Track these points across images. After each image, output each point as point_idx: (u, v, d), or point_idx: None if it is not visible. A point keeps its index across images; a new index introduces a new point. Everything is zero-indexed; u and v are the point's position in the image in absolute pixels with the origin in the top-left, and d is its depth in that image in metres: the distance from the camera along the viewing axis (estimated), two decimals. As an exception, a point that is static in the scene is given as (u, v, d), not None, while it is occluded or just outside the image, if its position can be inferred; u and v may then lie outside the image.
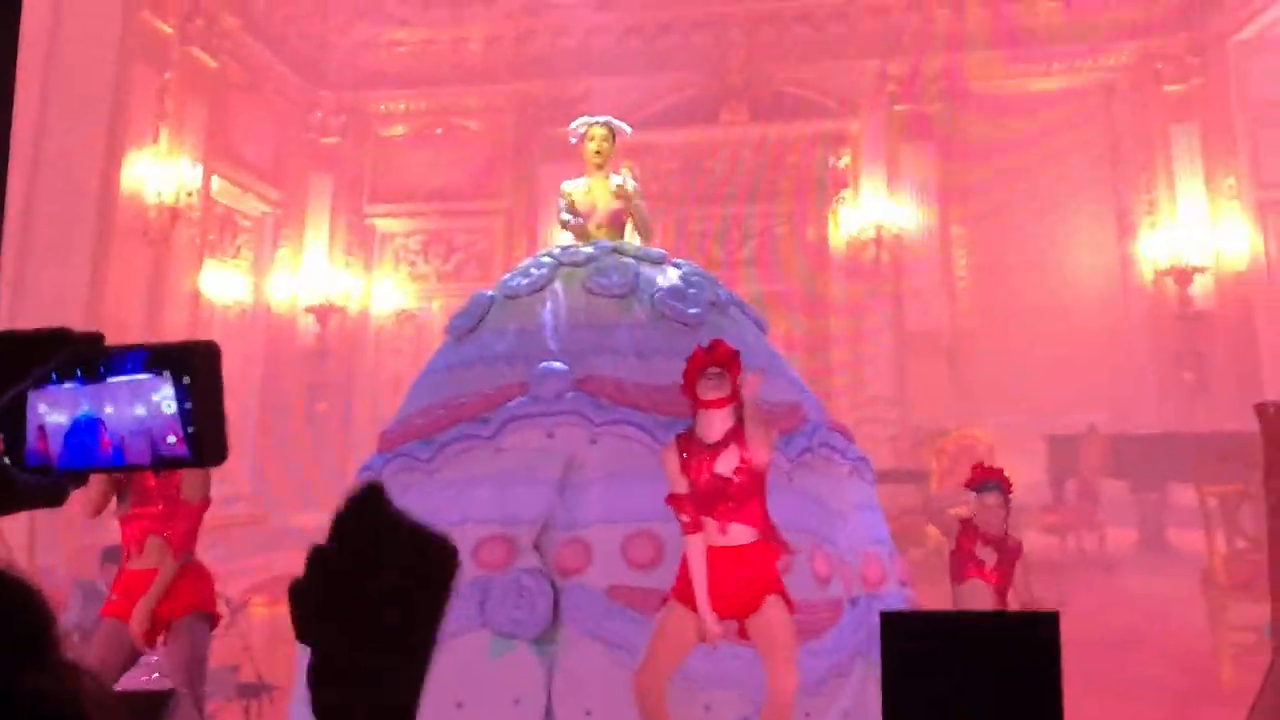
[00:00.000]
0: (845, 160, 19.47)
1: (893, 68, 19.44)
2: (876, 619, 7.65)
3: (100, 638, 7.51)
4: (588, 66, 18.65)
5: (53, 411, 1.02)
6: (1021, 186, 18.45)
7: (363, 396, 15.56)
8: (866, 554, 8.04)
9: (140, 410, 1.02)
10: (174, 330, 14.48)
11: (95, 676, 0.75)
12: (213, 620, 7.58)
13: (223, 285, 15.42)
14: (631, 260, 8.85)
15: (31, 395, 1.03)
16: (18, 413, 1.02)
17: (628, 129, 9.42)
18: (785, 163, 19.39)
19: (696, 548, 6.44)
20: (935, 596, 10.86)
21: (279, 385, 14.78)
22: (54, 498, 1.04)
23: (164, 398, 1.02)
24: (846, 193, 19.27)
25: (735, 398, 6.54)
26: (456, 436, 8.07)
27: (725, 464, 6.47)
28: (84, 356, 1.03)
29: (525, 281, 8.82)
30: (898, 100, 19.41)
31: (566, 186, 9.35)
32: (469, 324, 8.81)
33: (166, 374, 1.03)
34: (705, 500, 6.44)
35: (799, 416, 8.31)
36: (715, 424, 6.54)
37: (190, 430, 1.03)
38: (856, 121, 19.45)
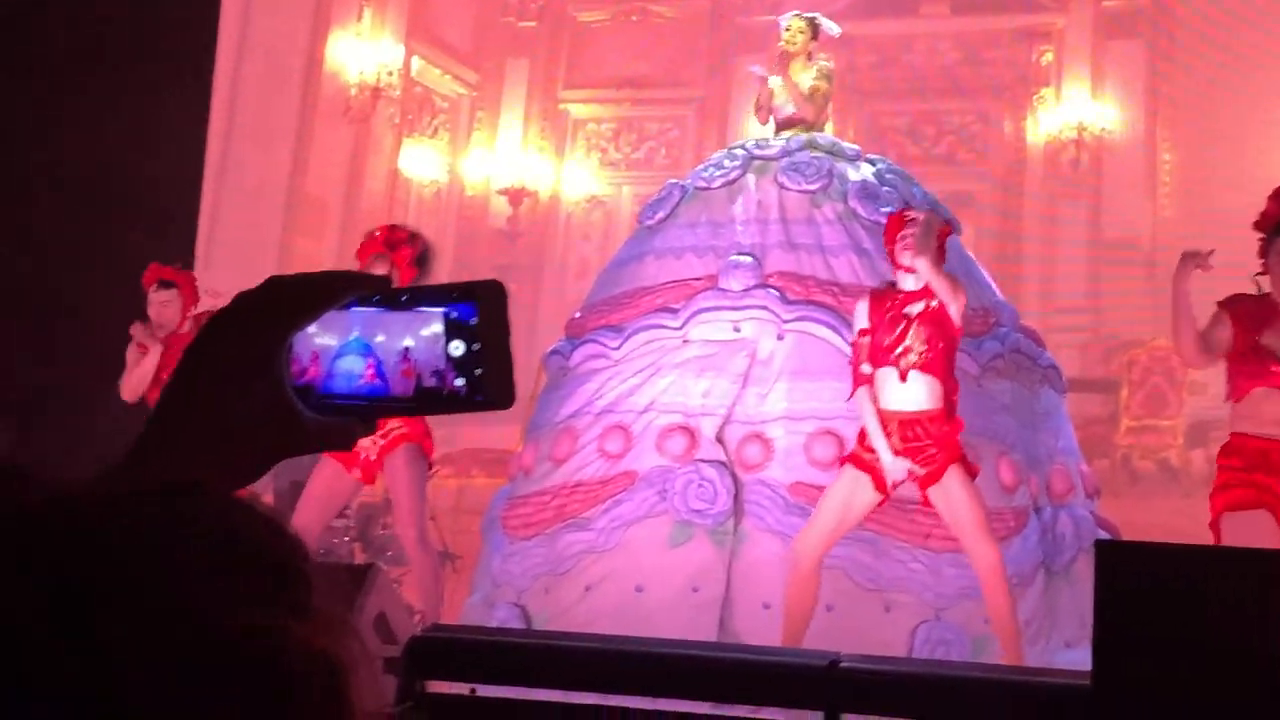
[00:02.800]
0: (1048, 57, 18.93)
1: (1103, -38, 18.79)
2: (1062, 530, 7.62)
3: (322, 477, 7.53)
4: (786, -45, 18.39)
5: (322, 334, 1.01)
6: (1232, 92, 17.76)
7: (551, 280, 15.73)
8: (1054, 464, 7.94)
9: (409, 342, 1.00)
10: (371, 209, 14.76)
11: (360, 635, 0.68)
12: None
13: (420, 165, 15.65)
14: (825, 156, 8.76)
15: None
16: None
17: (835, 29, 9.25)
18: (984, 58, 18.91)
19: (863, 399, 6.41)
20: (1120, 509, 10.69)
21: (470, 265, 15.02)
22: (344, 440, 1.03)
23: (434, 333, 0.99)
24: (1047, 91, 18.75)
25: (940, 257, 6.48)
26: (644, 326, 8.15)
27: (915, 308, 6.41)
28: (369, 298, 1.01)
29: (718, 174, 8.81)
30: (1106, -4, 18.78)
31: (771, 80, 9.27)
32: (661, 214, 8.84)
33: (443, 311, 0.99)
34: (889, 345, 6.38)
35: (990, 321, 8.20)
36: (910, 280, 6.48)
37: (478, 373, 0.99)
38: (1062, 17, 18.88)
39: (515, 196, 16.25)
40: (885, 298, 6.52)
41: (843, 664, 3.99)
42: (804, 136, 8.85)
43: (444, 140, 16.40)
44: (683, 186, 9.00)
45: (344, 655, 0.65)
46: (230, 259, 12.50)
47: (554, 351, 8.64)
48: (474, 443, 12.32)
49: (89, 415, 8.15)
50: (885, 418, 6.35)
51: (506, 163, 16.50)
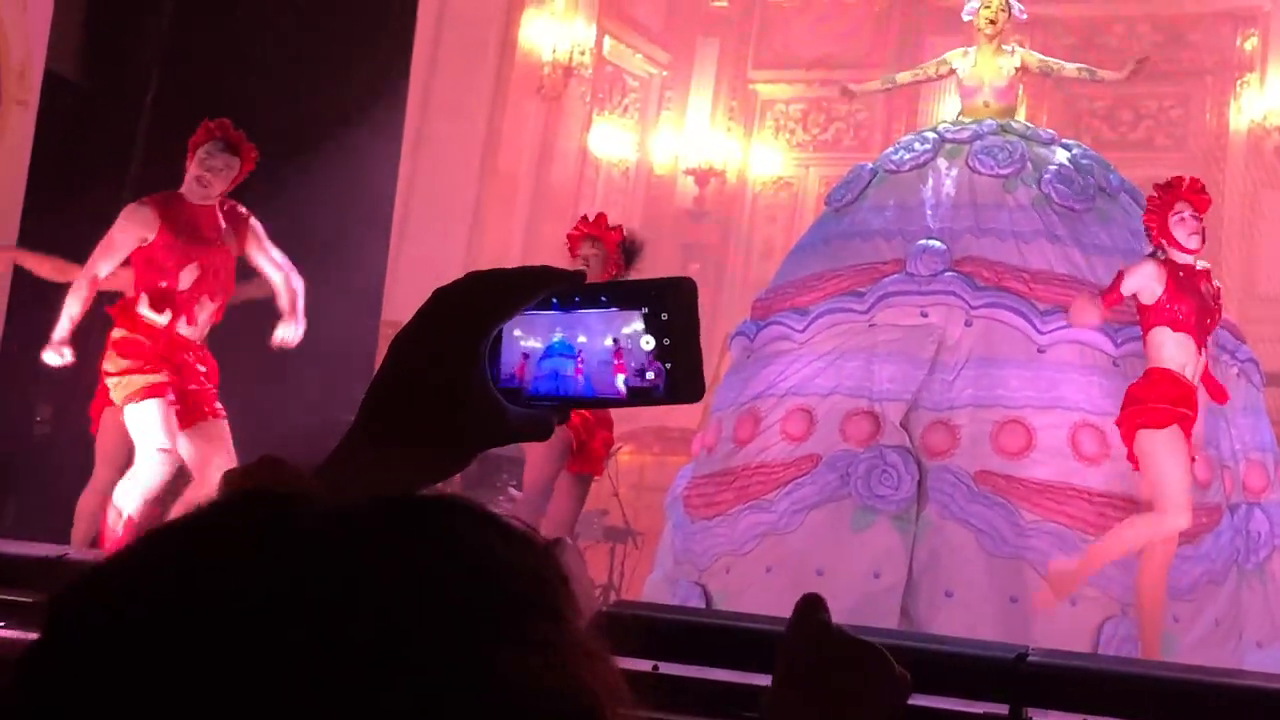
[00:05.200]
0: (1252, 42, 18.33)
1: (1315, -57, 18.10)
2: (1256, 528, 7.43)
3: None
4: (982, -66, 18.05)
5: (527, 337, 1.04)
6: None
7: (736, 260, 15.71)
8: (1250, 460, 7.74)
9: (608, 341, 1.02)
10: (562, 186, 14.91)
11: (612, 664, 0.68)
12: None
13: (609, 144, 15.76)
14: (1019, 140, 8.64)
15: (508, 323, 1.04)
16: (495, 340, 1.03)
17: (1022, 12, 9.14)
18: (1186, 41, 18.39)
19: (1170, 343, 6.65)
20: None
21: (656, 244, 15.08)
22: (541, 431, 1.06)
23: (635, 331, 1.02)
24: (1251, 77, 18.17)
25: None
26: (830, 309, 8.13)
27: (1208, 287, 6.84)
28: (564, 292, 1.04)
29: (908, 157, 8.75)
30: (1317, -22, 18.10)
31: (951, 55, 9.17)
32: (849, 197, 8.81)
33: (640, 309, 1.02)
34: (1204, 322, 6.70)
35: (1187, 312, 8.01)
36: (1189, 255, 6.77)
37: (667, 367, 1.01)
38: (1268, 0, 18.27)
39: (702, 177, 16.26)
40: (1176, 267, 6.71)
41: (1030, 657, 3.96)
42: (996, 121, 8.75)
43: (633, 119, 16.49)
44: (871, 169, 8.96)
45: (595, 688, 0.65)
46: (424, 230, 12.75)
47: (739, 333, 8.67)
48: (656, 421, 12.41)
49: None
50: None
51: (694, 142, 16.52)
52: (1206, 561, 7.08)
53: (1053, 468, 7.23)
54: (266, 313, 7.31)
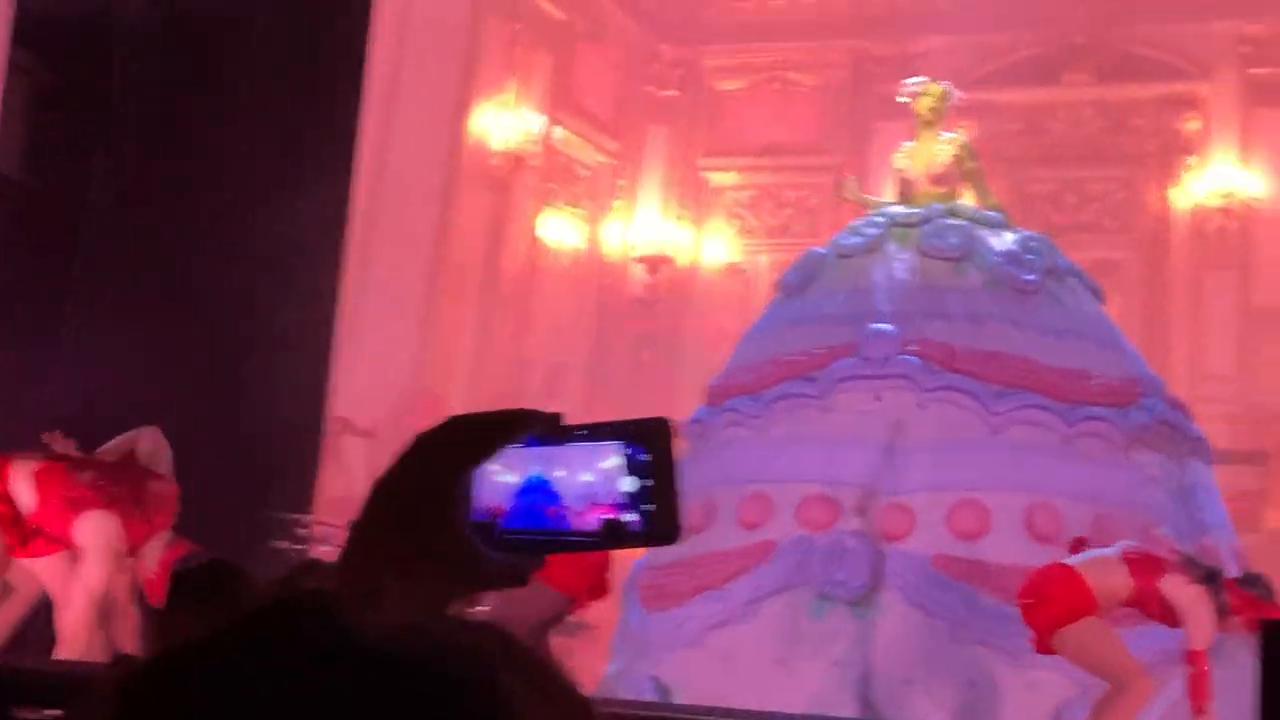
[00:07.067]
0: (1194, 125, 18.60)
1: (1250, 29, 18.41)
2: (1214, 608, 7.37)
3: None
4: (925, 24, 18.29)
5: (503, 471, 1.03)
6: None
7: (688, 348, 15.71)
8: (1204, 538, 7.73)
9: (588, 477, 1.01)
10: (513, 276, 14.90)
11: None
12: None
13: (559, 232, 15.80)
14: (967, 223, 8.70)
15: None
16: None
17: (960, 98, 9.33)
18: (1129, 126, 18.65)
19: None
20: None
21: (608, 333, 15.11)
22: (516, 579, 1.06)
23: (613, 467, 1.01)
24: (1193, 159, 18.43)
25: None
26: (784, 394, 8.12)
27: None
28: (542, 432, 1.04)
29: (858, 241, 8.79)
30: (1253, 63, 18.38)
31: (898, 157, 9.34)
32: (800, 281, 8.85)
33: (618, 445, 1.01)
34: None
35: (1136, 391, 8.04)
36: None
37: (646, 508, 1.00)
38: (1207, 85, 18.55)
39: (654, 264, 16.31)
40: None
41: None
42: (945, 205, 8.81)
43: (584, 208, 16.55)
44: (823, 253, 9.00)
45: None
46: (375, 323, 12.68)
47: (694, 419, 8.63)
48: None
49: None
50: None
51: (645, 230, 16.59)
52: (1166, 643, 7.03)
53: (1009, 549, 7.20)
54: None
